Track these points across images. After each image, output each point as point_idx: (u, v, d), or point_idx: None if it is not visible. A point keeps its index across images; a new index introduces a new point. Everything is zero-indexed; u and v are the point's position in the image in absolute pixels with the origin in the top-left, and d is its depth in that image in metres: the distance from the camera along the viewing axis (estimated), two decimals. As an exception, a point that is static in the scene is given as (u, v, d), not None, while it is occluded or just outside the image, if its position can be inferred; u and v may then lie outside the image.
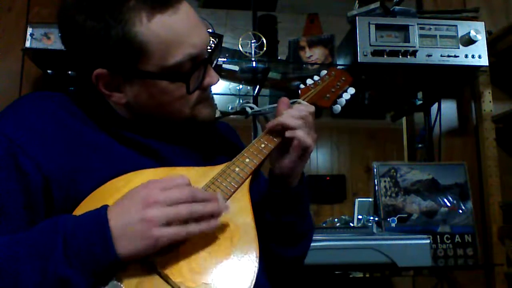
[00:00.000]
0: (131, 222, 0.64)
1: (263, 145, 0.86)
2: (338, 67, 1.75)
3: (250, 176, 0.81)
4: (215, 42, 0.88)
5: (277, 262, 0.93)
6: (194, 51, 0.79)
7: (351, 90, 1.00)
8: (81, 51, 0.79)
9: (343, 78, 1.01)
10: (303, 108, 0.89)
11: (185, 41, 0.78)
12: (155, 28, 0.76)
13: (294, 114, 0.87)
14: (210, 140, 0.93)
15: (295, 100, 0.92)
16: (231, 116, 1.09)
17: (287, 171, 0.88)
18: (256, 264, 0.70)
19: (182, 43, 0.78)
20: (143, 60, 0.77)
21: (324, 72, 1.02)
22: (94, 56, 0.78)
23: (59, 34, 0.82)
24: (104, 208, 0.67)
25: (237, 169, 0.81)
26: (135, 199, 0.66)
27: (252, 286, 0.68)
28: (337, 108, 0.98)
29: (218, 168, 0.81)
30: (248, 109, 0.98)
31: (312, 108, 0.90)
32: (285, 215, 0.91)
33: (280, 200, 0.90)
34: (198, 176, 0.79)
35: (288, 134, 0.86)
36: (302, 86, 0.97)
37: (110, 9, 0.76)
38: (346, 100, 0.98)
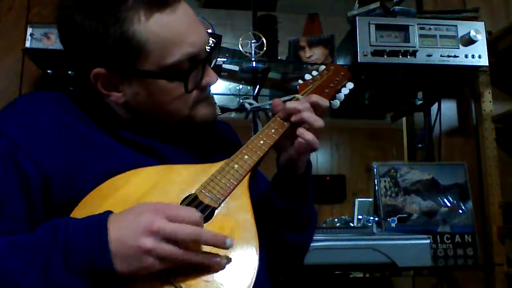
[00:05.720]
0: (127, 244, 0.63)
1: (261, 142, 0.85)
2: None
3: (249, 173, 0.81)
4: (214, 42, 0.88)
5: (287, 248, 0.94)
6: (192, 50, 0.79)
7: (350, 85, 0.98)
8: (79, 50, 0.80)
9: (341, 73, 0.99)
10: (318, 98, 0.89)
11: (184, 40, 0.78)
12: (153, 27, 0.76)
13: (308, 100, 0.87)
14: (209, 139, 0.93)
15: (293, 95, 0.92)
16: (231, 115, 1.09)
17: (294, 161, 0.89)
18: (257, 261, 0.70)
19: (181, 42, 0.78)
20: (141, 59, 0.78)
21: (322, 67, 1.01)
22: (92, 55, 0.78)
23: (58, 34, 0.82)
24: (105, 216, 0.66)
25: (236, 166, 0.80)
26: (139, 220, 0.64)
27: (252, 284, 0.68)
28: (336, 103, 0.96)
29: (217, 165, 0.81)
30: (247, 105, 0.97)
31: (326, 103, 0.89)
32: (294, 200, 0.92)
33: (290, 187, 0.91)
34: (197, 174, 0.79)
35: (294, 118, 0.86)
36: (300, 81, 0.96)
37: (108, 8, 0.76)
38: (345, 95, 0.97)
